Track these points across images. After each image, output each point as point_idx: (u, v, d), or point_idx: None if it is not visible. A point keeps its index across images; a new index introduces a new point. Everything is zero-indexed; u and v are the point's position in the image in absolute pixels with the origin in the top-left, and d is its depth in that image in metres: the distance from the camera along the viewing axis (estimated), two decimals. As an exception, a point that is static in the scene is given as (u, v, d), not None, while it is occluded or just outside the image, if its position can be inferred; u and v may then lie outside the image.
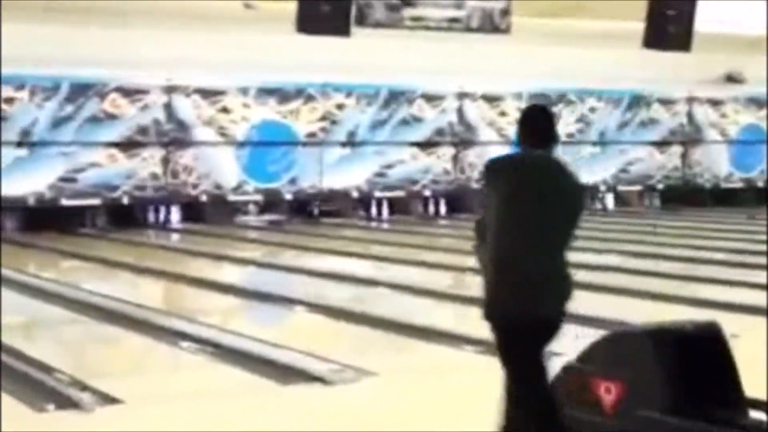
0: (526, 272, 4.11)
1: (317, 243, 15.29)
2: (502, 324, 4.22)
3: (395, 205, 19.58)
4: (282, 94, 18.27)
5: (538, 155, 4.18)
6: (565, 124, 20.31)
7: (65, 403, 6.06)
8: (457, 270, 12.29)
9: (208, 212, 18.01)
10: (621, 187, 21.29)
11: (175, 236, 17.21)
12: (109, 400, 6.09)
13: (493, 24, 17.85)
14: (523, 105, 20.30)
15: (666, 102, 21.57)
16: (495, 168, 4.21)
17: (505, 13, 18.78)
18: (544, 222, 4.09)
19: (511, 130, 20.25)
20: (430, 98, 19.56)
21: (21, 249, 14.84)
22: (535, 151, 4.18)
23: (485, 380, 6.62)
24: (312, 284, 11.40)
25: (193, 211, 17.90)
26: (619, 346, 4.83)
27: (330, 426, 5.63)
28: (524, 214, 4.09)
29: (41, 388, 6.47)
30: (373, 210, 19.51)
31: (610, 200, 21.33)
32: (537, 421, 4.27)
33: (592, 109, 20.91)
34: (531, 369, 4.26)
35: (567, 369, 5.01)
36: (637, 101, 21.29)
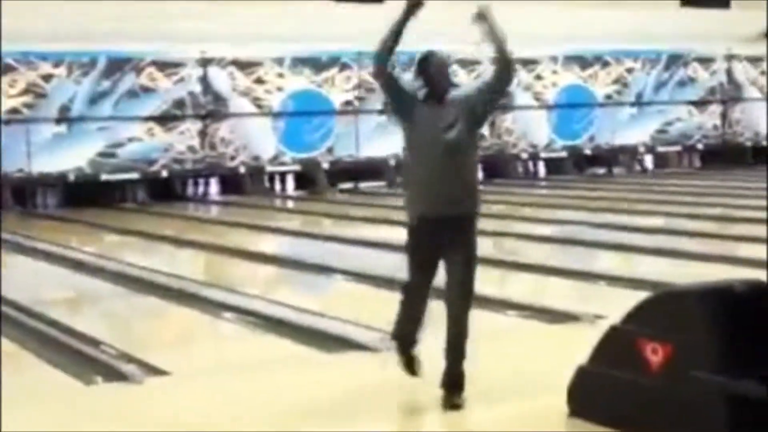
0: None
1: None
2: None
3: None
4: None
5: None
6: (603, 86, 20.30)
7: (113, 375, 6.08)
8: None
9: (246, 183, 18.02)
10: (660, 148, 21.10)
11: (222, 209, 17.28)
12: (156, 372, 6.12)
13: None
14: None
15: (704, 60, 21.35)
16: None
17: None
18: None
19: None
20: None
21: (63, 224, 14.96)
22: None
23: (534, 345, 6.67)
24: (352, 254, 11.39)
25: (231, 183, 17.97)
26: (666, 307, 4.77)
27: (383, 394, 5.62)
28: None
29: (88, 361, 6.50)
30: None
31: (649, 161, 21.22)
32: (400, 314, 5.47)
33: (629, 70, 20.70)
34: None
35: (613, 330, 4.97)
36: (675, 60, 21.10)
